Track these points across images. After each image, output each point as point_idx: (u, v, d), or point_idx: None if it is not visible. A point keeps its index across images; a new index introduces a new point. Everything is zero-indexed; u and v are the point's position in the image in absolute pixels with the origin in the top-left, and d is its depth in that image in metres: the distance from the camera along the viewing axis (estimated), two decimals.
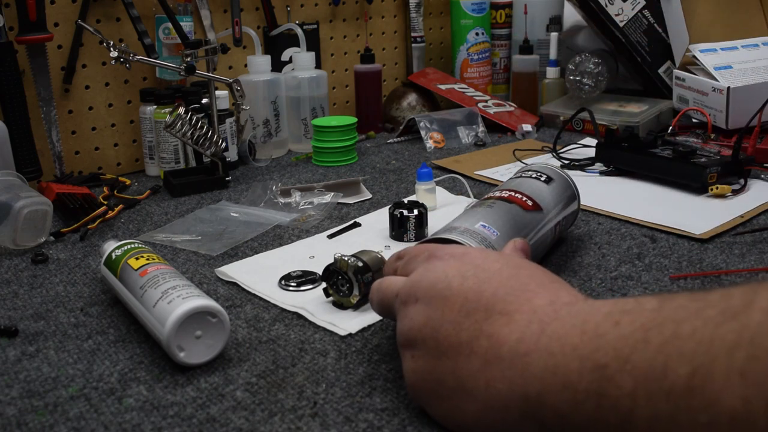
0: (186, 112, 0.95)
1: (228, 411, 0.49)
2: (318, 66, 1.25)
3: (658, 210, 0.84)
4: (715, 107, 1.10)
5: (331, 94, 1.35)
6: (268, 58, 1.15)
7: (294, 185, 0.98)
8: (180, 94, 1.05)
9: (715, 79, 1.11)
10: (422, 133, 1.20)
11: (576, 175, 0.92)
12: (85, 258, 0.77)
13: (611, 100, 1.30)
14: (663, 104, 1.24)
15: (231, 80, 0.98)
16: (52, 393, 0.52)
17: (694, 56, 1.17)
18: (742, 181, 0.90)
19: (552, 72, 1.35)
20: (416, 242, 0.73)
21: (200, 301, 0.53)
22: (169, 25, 1.05)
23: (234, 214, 0.89)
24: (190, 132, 0.96)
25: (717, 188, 0.87)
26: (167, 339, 0.52)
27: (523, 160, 1.07)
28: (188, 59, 0.97)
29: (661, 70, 1.30)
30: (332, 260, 0.63)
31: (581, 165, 1.02)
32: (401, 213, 0.78)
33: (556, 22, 1.44)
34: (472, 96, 1.33)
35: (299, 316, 0.62)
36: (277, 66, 1.23)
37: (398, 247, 0.76)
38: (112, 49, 0.91)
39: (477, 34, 1.41)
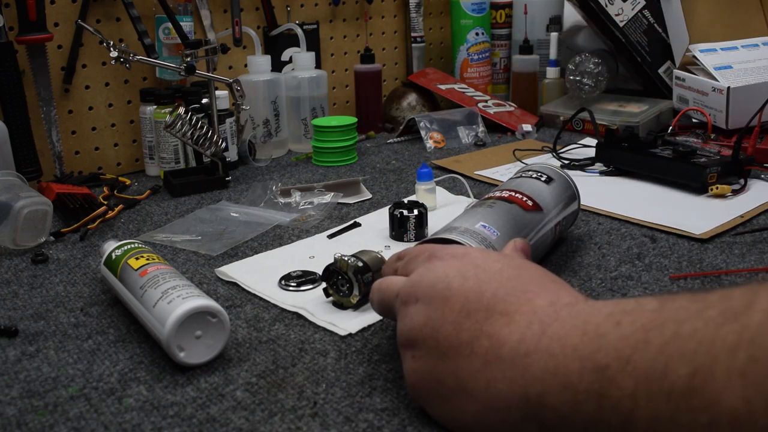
0: (186, 112, 0.95)
1: (228, 411, 0.49)
2: (318, 66, 1.25)
3: (658, 210, 0.84)
4: (715, 107, 1.10)
5: (331, 94, 1.35)
6: (268, 58, 1.15)
7: (294, 185, 0.98)
8: (180, 94, 1.05)
9: (715, 79, 1.11)
10: (422, 133, 1.20)
11: (576, 175, 0.92)
12: (85, 258, 0.77)
13: (611, 100, 1.30)
14: (663, 104, 1.24)
15: (231, 80, 0.98)
16: (52, 393, 0.52)
17: (694, 56, 1.17)
18: (742, 181, 0.90)
19: (552, 72, 1.35)
20: (416, 242, 0.73)
21: (200, 301, 0.53)
22: (169, 25, 1.05)
23: (234, 214, 0.89)
24: (190, 132, 0.96)
25: (717, 188, 0.87)
26: (167, 339, 0.52)
27: (523, 160, 1.07)
28: (188, 59, 0.97)
29: (661, 70, 1.30)
30: (332, 260, 0.63)
31: (581, 165, 1.02)
32: (401, 213, 0.78)
33: (556, 22, 1.44)
34: (472, 96, 1.33)
35: (299, 316, 0.62)
36: (277, 66, 1.23)
37: (398, 247, 0.76)
38: (112, 49, 0.91)
39: (477, 34, 1.41)
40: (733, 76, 1.11)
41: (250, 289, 0.68)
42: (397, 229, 0.78)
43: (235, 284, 0.69)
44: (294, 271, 0.70)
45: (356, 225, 0.84)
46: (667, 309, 0.35)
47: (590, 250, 0.75)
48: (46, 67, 1.00)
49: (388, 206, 0.81)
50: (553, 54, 1.35)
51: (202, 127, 0.97)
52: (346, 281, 0.62)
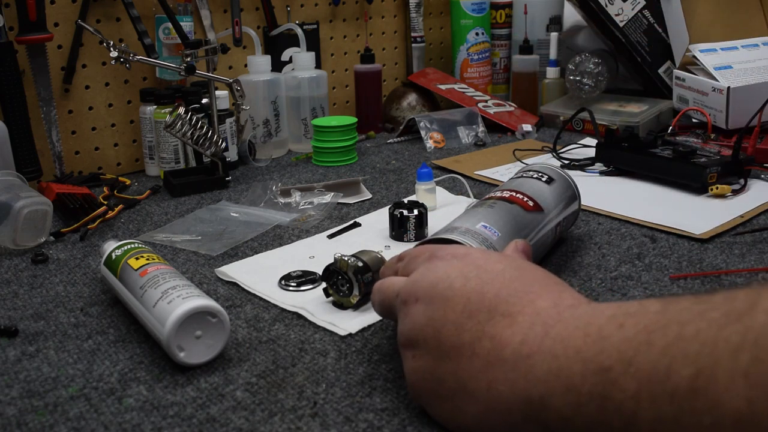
0: (186, 112, 0.95)
1: (228, 411, 0.49)
2: (318, 66, 1.25)
3: (658, 210, 0.84)
4: (715, 107, 1.10)
5: (331, 94, 1.35)
6: (268, 58, 1.15)
7: (294, 185, 0.98)
8: (180, 94, 1.05)
9: (715, 79, 1.11)
10: (422, 133, 1.20)
11: (576, 175, 0.92)
12: (85, 258, 0.77)
13: (611, 100, 1.30)
14: (663, 104, 1.24)
15: (231, 80, 0.98)
16: (52, 393, 0.51)
17: (694, 56, 1.17)
18: (742, 181, 0.90)
19: (552, 72, 1.35)
20: (416, 242, 0.73)
21: (200, 301, 0.53)
22: (169, 25, 1.05)
23: (234, 214, 0.89)
24: (190, 132, 0.96)
25: (717, 188, 0.87)
26: (167, 339, 0.52)
27: (523, 160, 1.07)
28: (188, 59, 0.97)
29: (661, 70, 1.29)
30: (332, 260, 0.63)
31: (581, 165, 1.02)
32: (401, 213, 0.78)
33: (556, 22, 1.44)
34: (472, 96, 1.33)
35: (299, 316, 0.62)
36: (277, 66, 1.22)
37: (398, 247, 0.76)
38: (112, 49, 0.91)
39: (477, 34, 1.41)
40: (733, 76, 1.11)
41: (250, 289, 0.68)
42: (397, 229, 0.78)
43: (235, 284, 0.69)
44: (294, 271, 0.70)
45: (356, 225, 0.84)
46: (670, 311, 0.35)
47: (590, 250, 0.74)
48: (46, 67, 1.00)
49: (388, 206, 0.81)
50: (553, 54, 1.35)
51: (202, 127, 0.97)
52: (346, 281, 0.62)
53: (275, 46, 1.24)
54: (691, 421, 0.32)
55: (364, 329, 0.59)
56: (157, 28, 1.09)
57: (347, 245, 0.77)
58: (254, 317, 0.62)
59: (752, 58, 1.15)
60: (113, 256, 0.63)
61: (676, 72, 1.20)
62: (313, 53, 1.19)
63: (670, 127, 1.07)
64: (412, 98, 1.33)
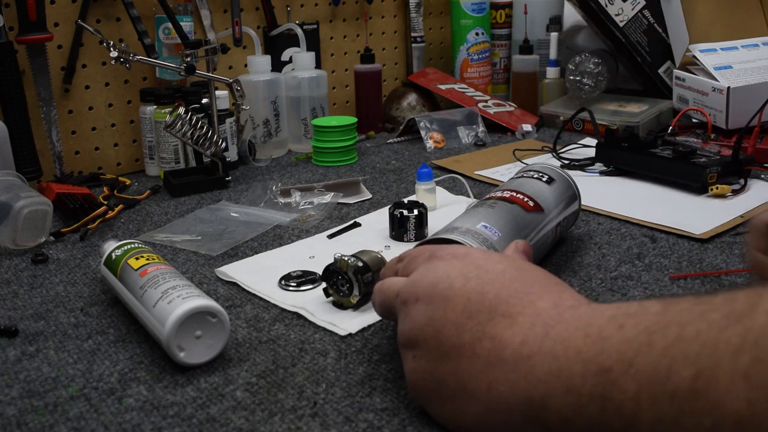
0: (186, 112, 0.95)
1: (228, 411, 0.49)
2: (318, 66, 1.25)
3: (658, 210, 0.84)
4: (715, 107, 1.10)
5: (331, 94, 1.35)
6: (268, 58, 1.15)
7: (294, 185, 0.98)
8: (180, 94, 1.05)
9: (715, 79, 1.11)
10: (422, 133, 1.20)
11: (576, 175, 0.92)
12: (85, 258, 0.77)
13: (611, 100, 1.30)
14: (663, 104, 1.24)
15: (231, 80, 0.98)
16: (52, 393, 0.51)
17: (694, 56, 1.17)
18: (742, 181, 0.90)
19: (552, 72, 1.35)
20: (416, 242, 0.73)
21: (200, 301, 0.53)
22: (169, 25, 1.05)
23: (234, 214, 0.89)
24: (190, 132, 0.96)
25: (717, 188, 0.87)
26: (167, 339, 0.52)
27: (523, 160, 1.07)
28: (188, 59, 0.97)
29: (661, 70, 1.29)
30: (332, 260, 0.63)
31: (581, 165, 1.02)
32: (401, 213, 0.78)
33: (556, 22, 1.44)
34: (472, 96, 1.33)
35: (299, 316, 0.62)
36: (277, 66, 1.22)
37: (398, 247, 0.76)
38: (112, 49, 0.91)
39: (477, 34, 1.41)
40: (733, 76, 1.11)
41: (250, 289, 0.68)
42: (397, 229, 0.78)
43: (235, 284, 0.69)
44: (294, 271, 0.70)
45: (356, 225, 0.84)
46: (670, 311, 0.35)
47: (590, 250, 0.74)
48: (46, 67, 1.00)
49: (388, 206, 0.81)
50: (553, 54, 1.35)
51: (202, 127, 0.97)
52: (346, 281, 0.62)
53: (275, 46, 1.24)
54: (691, 422, 0.32)
55: (364, 329, 0.59)
56: (157, 28, 1.09)
57: (347, 245, 0.77)
58: (254, 317, 0.62)
59: (752, 58, 1.15)
60: (113, 256, 0.63)
61: (676, 72, 1.20)
62: (313, 53, 1.19)
63: (670, 127, 1.07)
64: (412, 98, 1.33)
